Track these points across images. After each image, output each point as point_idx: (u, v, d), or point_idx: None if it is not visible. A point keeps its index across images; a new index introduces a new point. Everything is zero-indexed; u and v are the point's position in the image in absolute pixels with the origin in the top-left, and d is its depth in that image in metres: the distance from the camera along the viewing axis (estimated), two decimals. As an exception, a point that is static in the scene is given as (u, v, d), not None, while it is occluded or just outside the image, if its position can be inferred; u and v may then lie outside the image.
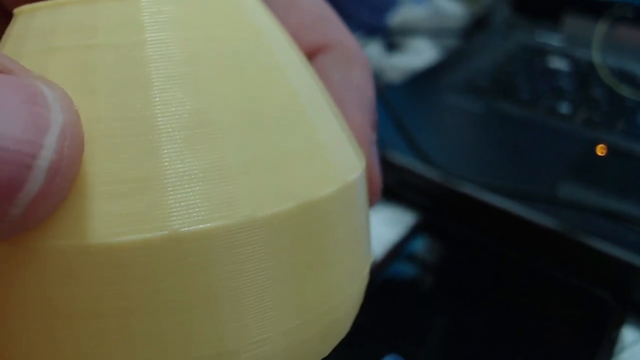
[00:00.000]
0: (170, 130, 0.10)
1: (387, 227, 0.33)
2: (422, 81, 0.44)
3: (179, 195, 0.10)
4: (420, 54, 0.51)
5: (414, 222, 0.32)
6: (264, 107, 0.11)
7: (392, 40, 0.56)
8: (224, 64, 0.11)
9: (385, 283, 0.27)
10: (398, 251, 0.29)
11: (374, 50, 0.52)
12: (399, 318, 0.26)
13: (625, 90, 0.42)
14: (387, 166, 0.33)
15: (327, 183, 0.12)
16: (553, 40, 0.51)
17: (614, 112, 0.39)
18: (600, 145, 0.36)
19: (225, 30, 0.12)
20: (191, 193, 0.10)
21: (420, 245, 0.31)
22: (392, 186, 0.34)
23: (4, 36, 0.12)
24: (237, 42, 0.12)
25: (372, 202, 0.17)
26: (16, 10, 0.12)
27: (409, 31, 0.55)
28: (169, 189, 0.10)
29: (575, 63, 0.47)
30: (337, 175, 0.12)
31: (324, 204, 0.12)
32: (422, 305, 0.27)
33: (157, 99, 0.10)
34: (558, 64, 0.47)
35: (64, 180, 0.10)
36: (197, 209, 0.10)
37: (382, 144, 0.34)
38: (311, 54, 0.18)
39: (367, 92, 0.18)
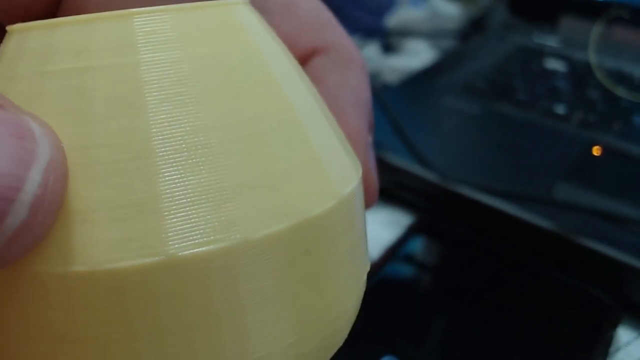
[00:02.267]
0: (166, 154, 0.10)
1: (384, 228, 0.33)
2: (419, 82, 0.44)
3: (175, 220, 0.10)
4: (417, 56, 0.52)
5: (410, 223, 0.32)
6: (260, 125, 0.11)
7: (389, 41, 0.56)
8: (220, 83, 0.11)
9: (382, 284, 0.28)
10: (395, 252, 0.30)
11: (372, 51, 0.52)
12: (395, 319, 0.26)
13: (621, 91, 0.42)
14: (384, 168, 0.33)
15: (324, 199, 0.12)
16: (550, 41, 0.51)
17: (610, 113, 0.39)
18: (597, 147, 0.36)
19: (220, 48, 0.12)
20: (187, 217, 0.10)
21: (417, 246, 0.31)
22: (388, 188, 0.34)
23: None
24: (232, 58, 0.12)
25: (368, 205, 0.18)
26: (9, 28, 0.12)
27: (407, 33, 0.55)
28: (165, 213, 0.10)
29: (571, 64, 0.47)
30: (334, 190, 0.12)
31: (321, 220, 0.12)
32: (419, 306, 0.27)
33: (152, 123, 0.10)
34: (555, 65, 0.47)
35: (47, 215, 0.09)
36: (193, 233, 0.10)
37: (378, 146, 0.34)
38: (308, 56, 0.18)
39: (364, 94, 0.18)
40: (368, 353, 0.24)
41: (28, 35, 0.11)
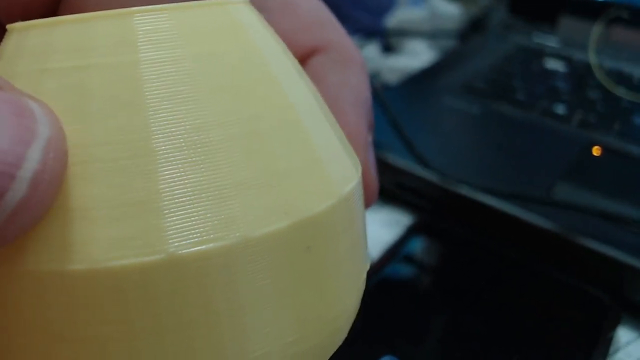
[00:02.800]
0: (166, 152, 0.10)
1: (383, 228, 0.33)
2: (419, 83, 0.44)
3: (175, 218, 0.10)
4: (417, 56, 0.52)
5: (410, 223, 0.32)
6: (260, 123, 0.11)
7: (389, 41, 0.56)
8: (219, 81, 0.11)
9: (382, 284, 0.28)
10: (395, 252, 0.30)
11: (372, 51, 0.52)
12: (395, 319, 0.26)
13: (621, 92, 0.42)
14: (384, 168, 0.33)
15: (323, 197, 0.12)
16: (549, 41, 0.51)
17: (610, 113, 0.39)
18: (596, 147, 0.36)
19: (220, 46, 0.12)
20: (187, 215, 0.10)
21: (417, 246, 0.31)
22: (388, 188, 0.34)
23: None
24: (232, 57, 0.12)
25: (368, 204, 0.18)
26: (9, 27, 0.12)
27: (406, 33, 0.55)
28: (165, 211, 0.10)
29: (571, 64, 0.47)
30: (333, 189, 0.12)
31: (321, 218, 0.12)
32: (419, 306, 0.27)
33: (152, 121, 0.10)
34: (554, 65, 0.47)
35: (46, 193, 0.10)
36: (193, 231, 0.10)
37: (378, 146, 0.34)
38: (307, 55, 0.18)
39: (364, 93, 0.18)
40: (368, 353, 0.24)
41: (28, 34, 0.11)
